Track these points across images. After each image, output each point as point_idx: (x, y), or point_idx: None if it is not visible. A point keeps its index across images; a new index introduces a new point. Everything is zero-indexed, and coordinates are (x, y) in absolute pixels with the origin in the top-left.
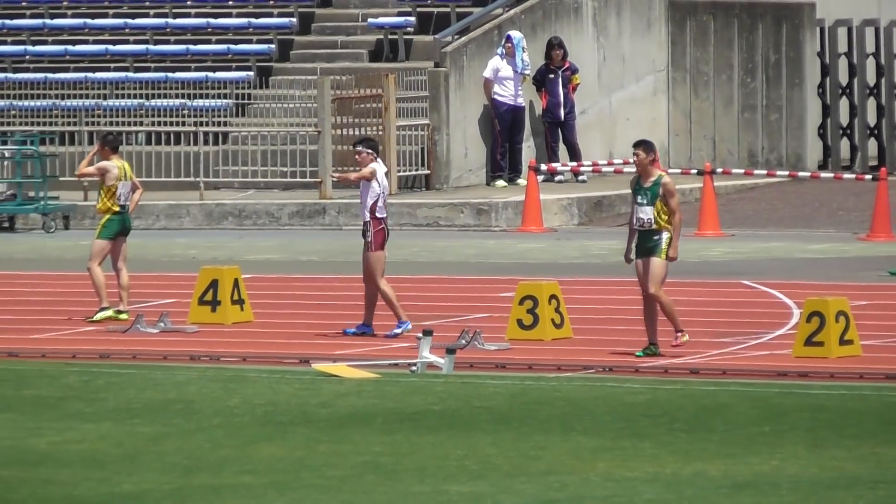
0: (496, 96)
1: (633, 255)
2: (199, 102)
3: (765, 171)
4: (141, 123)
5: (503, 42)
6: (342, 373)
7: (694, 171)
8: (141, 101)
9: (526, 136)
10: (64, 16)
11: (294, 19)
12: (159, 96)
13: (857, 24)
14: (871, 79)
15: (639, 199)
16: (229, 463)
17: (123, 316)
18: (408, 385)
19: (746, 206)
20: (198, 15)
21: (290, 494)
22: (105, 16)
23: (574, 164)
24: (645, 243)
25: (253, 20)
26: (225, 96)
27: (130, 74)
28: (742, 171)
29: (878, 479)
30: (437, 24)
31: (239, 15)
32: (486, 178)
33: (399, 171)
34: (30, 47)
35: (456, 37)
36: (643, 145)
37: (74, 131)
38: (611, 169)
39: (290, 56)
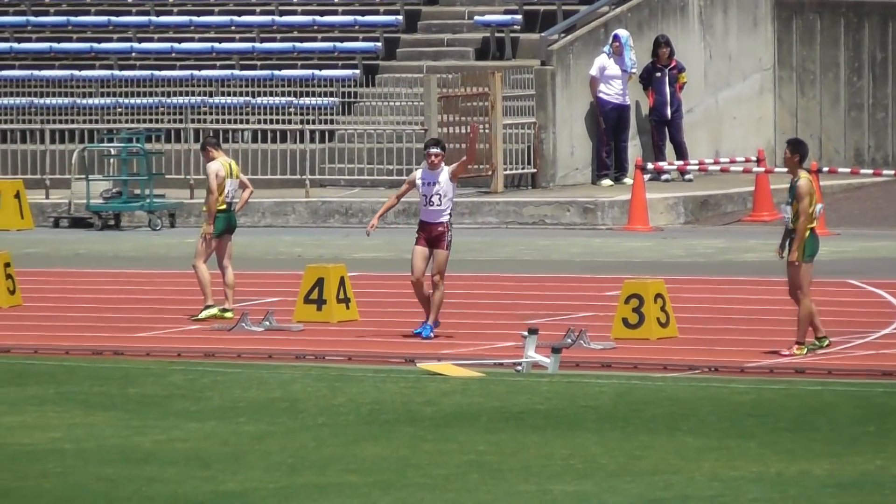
0: (601, 94)
1: (783, 252)
2: (306, 100)
3: (871, 171)
4: (247, 121)
5: (610, 41)
6: (447, 371)
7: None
8: (247, 98)
9: (631, 134)
10: (170, 13)
11: (400, 17)
12: (265, 94)
13: None
14: None
15: (788, 197)
16: (334, 462)
17: (228, 314)
18: (513, 384)
19: (852, 206)
20: (304, 12)
21: (395, 493)
22: (211, 13)
23: (681, 162)
24: (788, 243)
25: (359, 18)
26: (331, 94)
27: (236, 72)
28: (848, 170)
29: None
30: (543, 21)
31: (345, 12)
32: (592, 176)
33: (505, 169)
34: (136, 44)
35: (562, 35)
36: (789, 144)
37: (180, 129)
38: (717, 168)
39: (396, 54)
